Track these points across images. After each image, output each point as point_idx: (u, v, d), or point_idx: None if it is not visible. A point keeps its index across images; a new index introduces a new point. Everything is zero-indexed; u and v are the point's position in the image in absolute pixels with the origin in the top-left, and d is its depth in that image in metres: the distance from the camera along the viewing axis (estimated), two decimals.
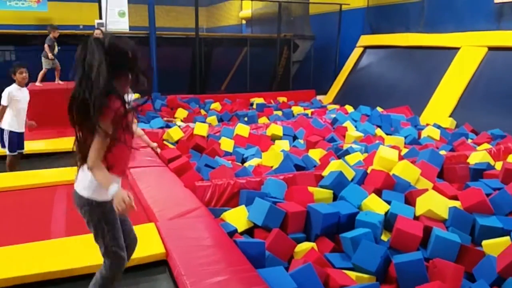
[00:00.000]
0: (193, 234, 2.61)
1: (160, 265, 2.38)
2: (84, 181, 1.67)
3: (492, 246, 2.88)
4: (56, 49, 6.67)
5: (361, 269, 2.71)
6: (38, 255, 2.42)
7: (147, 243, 2.48)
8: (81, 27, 9.98)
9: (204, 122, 7.03)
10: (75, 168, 1.71)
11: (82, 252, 2.42)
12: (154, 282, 2.19)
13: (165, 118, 7.18)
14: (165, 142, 5.45)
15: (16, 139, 4.13)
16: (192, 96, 9.43)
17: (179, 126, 6.10)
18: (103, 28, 7.48)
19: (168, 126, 6.53)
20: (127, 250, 1.83)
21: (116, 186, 1.59)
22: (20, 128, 4.15)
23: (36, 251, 2.46)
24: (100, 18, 8.91)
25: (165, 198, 3.21)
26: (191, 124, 6.46)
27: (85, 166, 1.64)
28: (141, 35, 9.63)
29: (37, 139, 5.18)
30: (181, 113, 7.78)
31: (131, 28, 9.47)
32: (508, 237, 2.93)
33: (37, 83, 6.50)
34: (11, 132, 4.07)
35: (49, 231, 2.83)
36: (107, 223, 1.70)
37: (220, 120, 7.74)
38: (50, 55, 6.47)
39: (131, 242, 1.92)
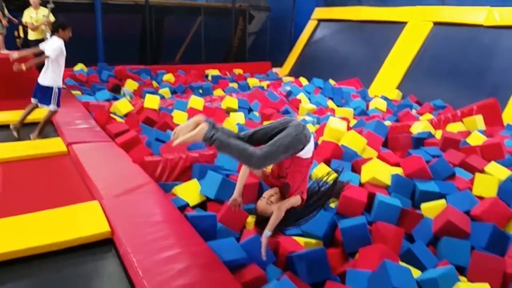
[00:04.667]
0: (141, 210, 2.55)
1: (105, 244, 2.29)
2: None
3: (430, 209, 3.11)
4: (6, 12, 6.05)
5: (310, 235, 2.83)
6: None
7: (91, 222, 2.39)
8: None
9: (156, 94, 6.80)
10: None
11: (18, 233, 2.30)
12: (99, 261, 2.10)
13: None
14: (112, 115, 5.20)
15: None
16: (142, 67, 9.02)
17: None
18: None
19: (116, 98, 6.26)
20: None
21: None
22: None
23: None
24: None
25: (111, 174, 3.08)
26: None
27: None
28: (85, 1, 8.98)
29: None
30: (131, 84, 7.45)
31: None
32: (444, 200, 3.16)
33: (2, 51, 5.98)
34: (59, 89, 4.12)
35: None
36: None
37: (174, 92, 7.53)
38: (4, 21, 5.85)
39: None
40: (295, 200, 2.19)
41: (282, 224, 2.19)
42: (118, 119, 5.09)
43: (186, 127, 1.98)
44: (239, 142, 1.98)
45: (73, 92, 6.49)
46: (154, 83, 8.14)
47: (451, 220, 2.74)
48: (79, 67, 8.38)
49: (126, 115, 5.41)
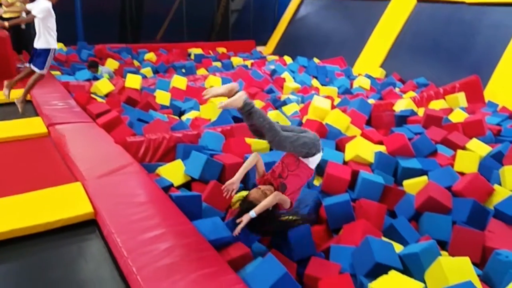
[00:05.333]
0: (124, 191, 2.51)
1: (88, 225, 2.26)
2: None
3: (412, 185, 3.16)
4: None
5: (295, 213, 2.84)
6: None
7: (73, 203, 2.35)
8: None
9: (138, 73, 6.64)
10: None
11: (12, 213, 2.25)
12: (83, 243, 2.07)
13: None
14: (93, 95, 5.07)
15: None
16: (123, 46, 8.79)
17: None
18: None
19: (96, 78, 6.08)
20: None
21: None
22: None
23: None
24: None
25: (93, 155, 3.01)
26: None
27: None
28: None
29: None
30: (111, 64, 7.25)
31: None
32: (425, 177, 3.21)
33: None
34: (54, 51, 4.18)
35: None
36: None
37: (156, 71, 7.38)
38: None
39: None
40: (287, 199, 2.28)
41: (254, 222, 2.23)
42: (99, 99, 4.97)
43: (219, 89, 2.14)
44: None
45: (53, 72, 6.27)
46: (136, 62, 7.95)
47: (432, 196, 2.80)
48: (58, 46, 8.03)
49: (107, 95, 5.29)
